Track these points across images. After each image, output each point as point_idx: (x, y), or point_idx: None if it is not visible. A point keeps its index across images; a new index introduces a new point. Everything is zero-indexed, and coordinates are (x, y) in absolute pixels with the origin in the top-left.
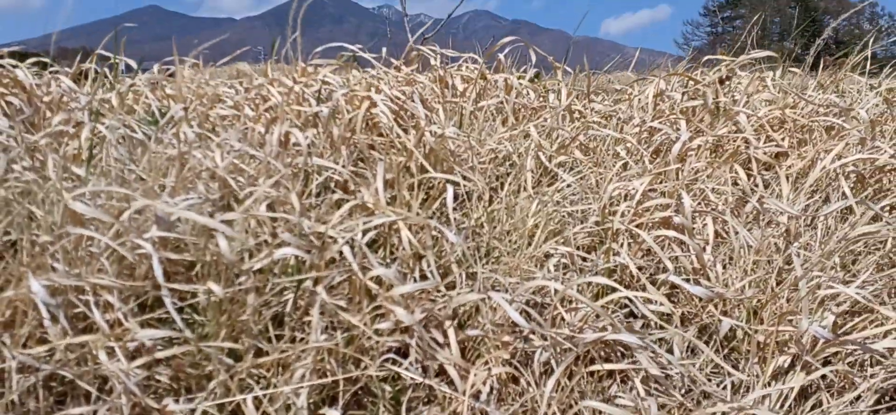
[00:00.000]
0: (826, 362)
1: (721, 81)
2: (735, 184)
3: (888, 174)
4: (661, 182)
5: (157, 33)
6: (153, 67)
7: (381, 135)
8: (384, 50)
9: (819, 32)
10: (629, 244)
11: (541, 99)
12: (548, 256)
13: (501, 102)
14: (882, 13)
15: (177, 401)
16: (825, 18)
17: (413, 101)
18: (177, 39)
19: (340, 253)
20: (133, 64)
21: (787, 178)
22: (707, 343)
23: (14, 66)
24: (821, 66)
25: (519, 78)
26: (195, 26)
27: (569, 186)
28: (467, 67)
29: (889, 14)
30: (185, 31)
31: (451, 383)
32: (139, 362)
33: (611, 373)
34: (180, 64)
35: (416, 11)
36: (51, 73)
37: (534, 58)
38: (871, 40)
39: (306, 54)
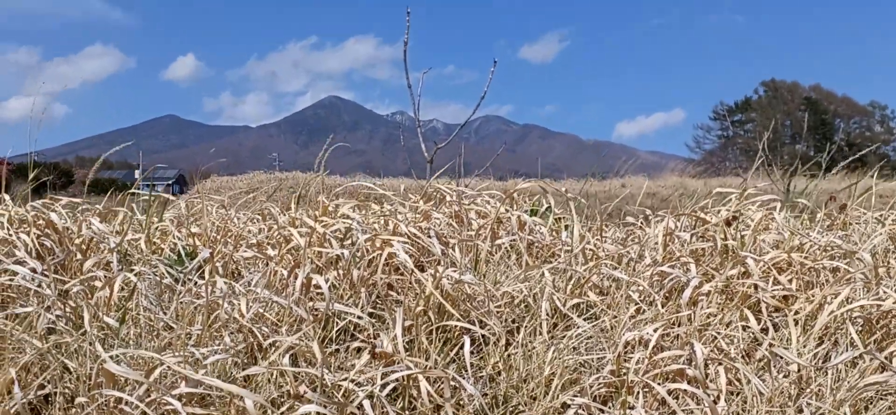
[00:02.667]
0: None
1: (728, 223)
2: (745, 329)
3: None
4: (673, 325)
5: (174, 142)
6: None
7: (399, 273)
8: (403, 187)
9: (830, 135)
10: (644, 394)
11: (553, 234)
12: (565, 406)
13: (515, 239)
14: (892, 116)
15: None
16: (836, 120)
17: (430, 237)
18: (194, 147)
19: (360, 406)
20: (168, 196)
21: (796, 322)
22: None
23: (49, 209)
24: (824, 207)
25: (532, 211)
26: (212, 134)
27: (583, 330)
28: (482, 200)
29: None
30: (202, 139)
31: None
32: None
33: None
34: (205, 205)
35: (430, 117)
36: (81, 212)
37: (552, 202)
38: (883, 145)
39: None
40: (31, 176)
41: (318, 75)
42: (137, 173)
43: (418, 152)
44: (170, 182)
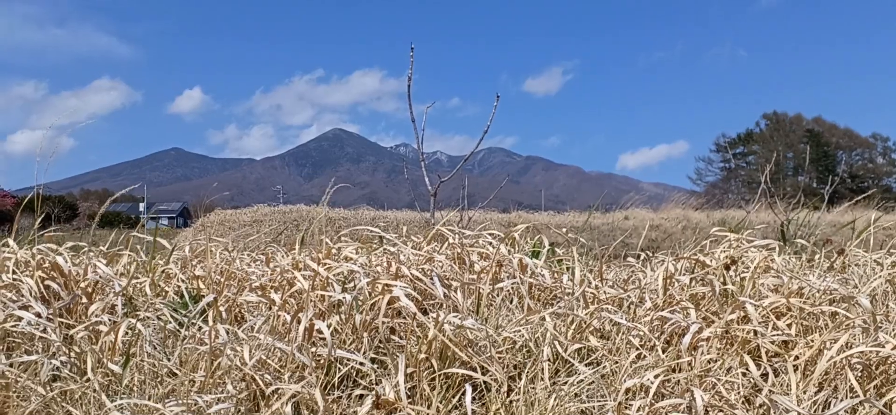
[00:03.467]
0: None
1: (726, 267)
2: (745, 375)
3: (895, 363)
4: (674, 371)
5: (178, 175)
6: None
7: (401, 317)
8: (405, 229)
9: (832, 167)
10: None
11: (555, 276)
12: None
13: (517, 282)
14: (894, 148)
15: None
16: (838, 153)
17: (432, 279)
18: (198, 180)
19: None
20: (173, 230)
21: (796, 368)
22: None
23: (56, 252)
24: (824, 247)
25: (533, 252)
26: (216, 167)
27: (585, 376)
28: (484, 240)
29: None
30: (206, 171)
31: None
32: None
33: None
34: (210, 248)
35: (434, 149)
36: (86, 255)
37: (546, 243)
38: (885, 177)
39: (325, 189)
40: (38, 214)
41: (323, 108)
42: (142, 206)
43: (422, 184)
44: (174, 215)
